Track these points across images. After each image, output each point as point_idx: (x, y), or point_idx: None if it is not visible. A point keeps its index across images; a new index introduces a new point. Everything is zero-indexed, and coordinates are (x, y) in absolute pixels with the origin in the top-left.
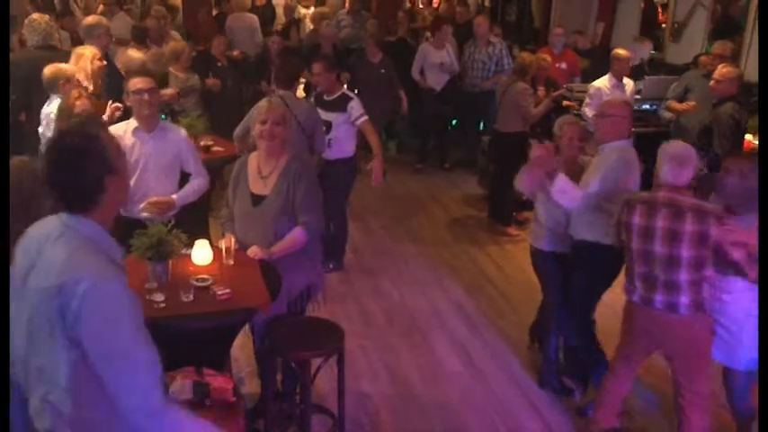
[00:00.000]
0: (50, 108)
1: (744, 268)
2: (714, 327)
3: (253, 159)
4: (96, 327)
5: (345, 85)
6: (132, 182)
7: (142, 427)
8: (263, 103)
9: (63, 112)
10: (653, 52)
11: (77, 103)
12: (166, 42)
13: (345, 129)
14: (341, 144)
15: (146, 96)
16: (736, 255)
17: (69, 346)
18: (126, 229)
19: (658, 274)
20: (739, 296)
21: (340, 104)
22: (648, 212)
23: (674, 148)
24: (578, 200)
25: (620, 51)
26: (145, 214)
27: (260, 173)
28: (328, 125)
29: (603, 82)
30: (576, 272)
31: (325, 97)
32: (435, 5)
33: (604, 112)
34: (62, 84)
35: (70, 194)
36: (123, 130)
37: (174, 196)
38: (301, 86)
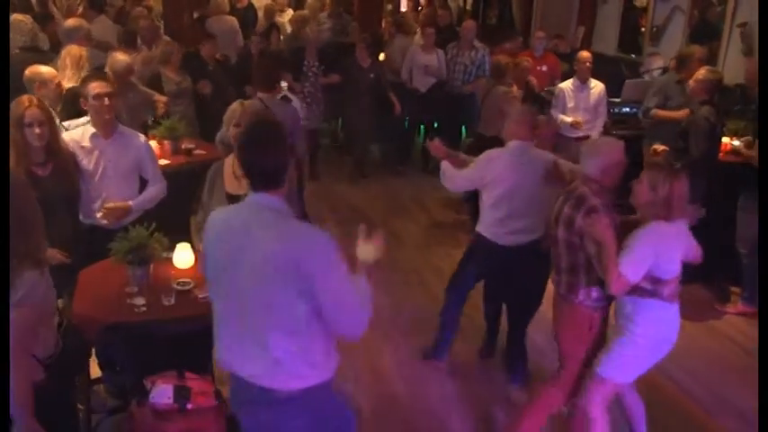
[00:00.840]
0: None
1: (596, 266)
2: (593, 318)
3: (228, 161)
4: (326, 271)
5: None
6: (91, 189)
7: (355, 336)
8: (235, 105)
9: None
10: (633, 56)
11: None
12: (156, 44)
13: None
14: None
15: (106, 101)
16: (590, 249)
17: (299, 293)
18: (87, 237)
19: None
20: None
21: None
22: (563, 201)
23: (589, 141)
24: (451, 179)
25: (583, 54)
26: (103, 221)
27: (235, 173)
28: None
29: (568, 84)
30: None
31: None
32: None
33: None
34: (37, 86)
35: (267, 175)
36: (80, 136)
37: (131, 202)
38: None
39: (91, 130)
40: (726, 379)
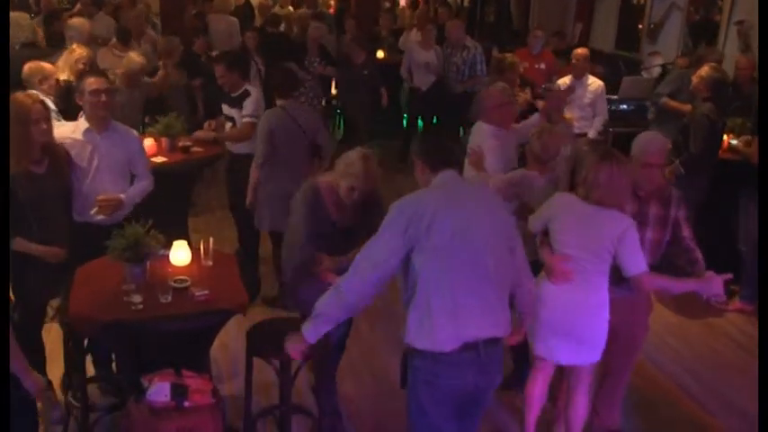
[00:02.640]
0: None
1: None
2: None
3: (327, 190)
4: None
5: (334, 82)
6: (86, 185)
7: None
8: (357, 163)
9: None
10: (630, 53)
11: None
12: (144, 39)
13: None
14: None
15: (103, 98)
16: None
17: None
18: (82, 234)
19: None
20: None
21: (240, 101)
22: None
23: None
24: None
25: (578, 50)
26: (98, 216)
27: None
28: (232, 120)
29: (564, 80)
30: None
31: (231, 94)
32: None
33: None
34: (38, 81)
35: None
36: (72, 131)
37: (123, 195)
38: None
39: (84, 124)
40: (725, 377)
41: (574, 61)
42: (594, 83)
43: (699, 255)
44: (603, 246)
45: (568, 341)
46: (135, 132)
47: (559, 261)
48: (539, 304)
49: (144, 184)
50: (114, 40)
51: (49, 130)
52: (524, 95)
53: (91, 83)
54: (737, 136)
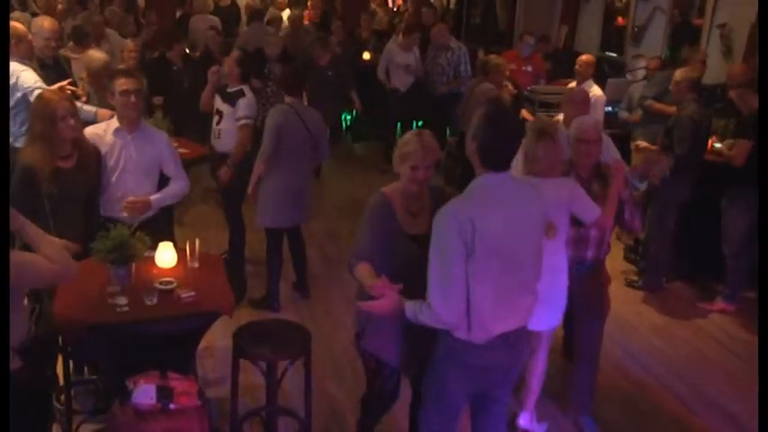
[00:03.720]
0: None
1: None
2: None
3: (395, 199)
4: None
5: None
6: (111, 182)
7: None
8: (412, 139)
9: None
10: (614, 55)
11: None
12: (103, 42)
13: (232, 123)
14: (229, 137)
15: (132, 98)
16: None
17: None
18: (106, 228)
19: None
20: None
21: (234, 98)
22: None
23: None
24: None
25: (581, 57)
26: (124, 214)
27: (409, 210)
28: (220, 115)
29: (571, 85)
30: None
31: (227, 88)
32: (393, 8)
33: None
34: (14, 43)
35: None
36: (104, 130)
37: (152, 197)
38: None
39: (115, 124)
40: (708, 376)
41: (577, 67)
42: (594, 92)
43: (637, 223)
44: (561, 210)
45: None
46: (165, 134)
47: None
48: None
49: (178, 187)
50: (71, 42)
51: (78, 125)
52: (509, 89)
53: (121, 83)
54: (721, 138)
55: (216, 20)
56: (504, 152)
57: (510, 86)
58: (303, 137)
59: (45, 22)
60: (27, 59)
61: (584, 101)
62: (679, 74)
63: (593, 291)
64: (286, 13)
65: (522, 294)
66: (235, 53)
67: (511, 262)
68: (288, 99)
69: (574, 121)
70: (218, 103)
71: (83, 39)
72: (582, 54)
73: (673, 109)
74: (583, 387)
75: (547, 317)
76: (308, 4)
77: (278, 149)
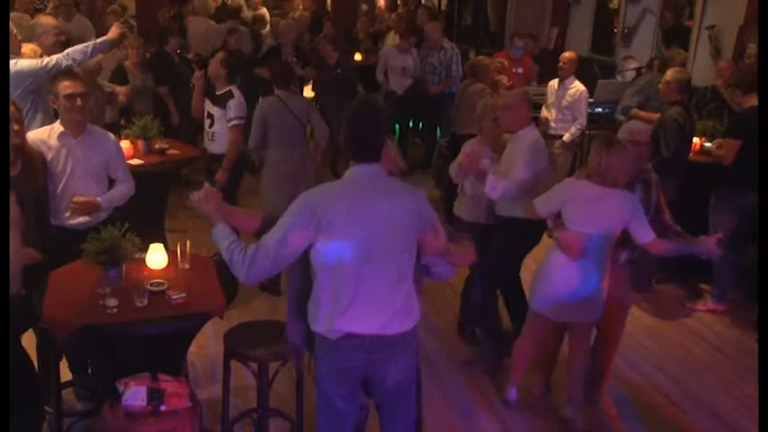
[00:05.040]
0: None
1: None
2: None
3: None
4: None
5: (311, 84)
6: (59, 189)
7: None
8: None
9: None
10: (605, 57)
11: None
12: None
13: (224, 125)
14: (222, 139)
15: (78, 102)
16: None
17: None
18: (57, 239)
19: None
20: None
21: (223, 100)
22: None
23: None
24: (507, 190)
25: (564, 54)
26: (73, 220)
27: None
28: (212, 118)
29: (554, 81)
30: (493, 243)
31: (216, 91)
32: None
33: (505, 105)
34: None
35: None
36: (47, 135)
37: (100, 198)
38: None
39: (59, 128)
40: (697, 376)
41: (561, 64)
42: (575, 87)
43: (679, 228)
44: (613, 223)
45: (575, 303)
46: (112, 136)
47: (576, 239)
48: (550, 271)
49: (124, 188)
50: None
51: (22, 131)
52: (503, 83)
53: (65, 86)
54: (709, 138)
55: (213, 23)
56: (371, 144)
57: (504, 79)
58: (291, 124)
59: (48, 20)
60: (14, 54)
61: (521, 103)
62: (670, 74)
63: (622, 288)
64: (262, 12)
65: (377, 293)
66: (219, 54)
67: (364, 255)
68: (277, 91)
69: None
70: (209, 107)
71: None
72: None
73: (656, 115)
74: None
75: (589, 312)
76: (293, 4)
77: (265, 138)
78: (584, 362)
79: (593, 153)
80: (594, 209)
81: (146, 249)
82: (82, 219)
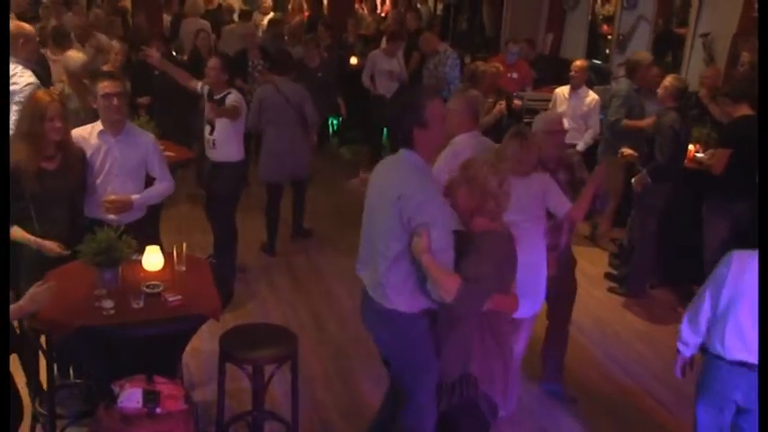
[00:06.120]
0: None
1: None
2: None
3: None
4: (424, 217)
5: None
6: (99, 185)
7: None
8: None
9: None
10: (599, 63)
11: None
12: (90, 43)
13: (227, 129)
14: (224, 146)
15: (115, 101)
16: None
17: (401, 233)
18: (91, 230)
19: None
20: None
21: (223, 103)
22: None
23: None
24: None
25: (576, 62)
26: (110, 216)
27: None
28: (212, 124)
29: (563, 89)
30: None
31: (213, 95)
32: (381, 13)
33: (451, 107)
34: (22, 42)
35: (398, 135)
36: (88, 133)
37: (134, 196)
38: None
39: (99, 126)
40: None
41: (572, 73)
42: (590, 96)
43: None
44: (536, 205)
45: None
46: (150, 135)
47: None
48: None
49: (162, 187)
50: (50, 42)
51: (65, 128)
52: (500, 107)
53: (103, 86)
54: (705, 147)
55: (206, 24)
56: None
57: (502, 105)
58: (283, 107)
59: (77, 55)
60: (30, 61)
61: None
62: (669, 80)
63: (566, 274)
64: (268, 17)
65: (366, 260)
66: (216, 60)
67: (367, 226)
68: (275, 78)
69: (540, 116)
70: (209, 112)
71: (62, 40)
72: (569, 60)
73: (646, 122)
74: (556, 360)
75: (529, 305)
76: (290, 8)
77: (260, 120)
78: (520, 353)
79: (501, 144)
80: (515, 197)
81: (142, 251)
82: (115, 216)
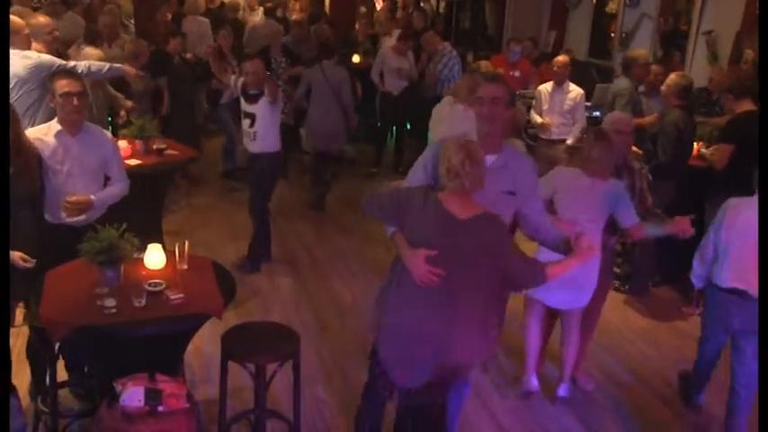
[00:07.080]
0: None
1: None
2: None
3: None
4: None
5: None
6: (57, 186)
7: None
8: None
9: None
10: (600, 61)
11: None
12: (116, 43)
13: (267, 119)
14: (264, 138)
15: (75, 101)
16: None
17: None
18: (52, 235)
19: None
20: None
21: (257, 97)
22: None
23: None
24: None
25: (558, 58)
26: (68, 219)
27: None
28: (252, 117)
29: (546, 86)
30: None
31: (249, 91)
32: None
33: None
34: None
35: None
36: (44, 133)
37: (93, 196)
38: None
39: (56, 126)
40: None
41: (555, 68)
42: (574, 90)
43: (659, 212)
44: (601, 208)
45: (569, 289)
46: (109, 134)
47: (568, 225)
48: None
49: (118, 187)
50: (81, 40)
51: (16, 131)
52: None
53: (63, 85)
54: (708, 143)
55: (206, 21)
56: None
57: None
58: (324, 88)
59: (41, 19)
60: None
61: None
62: (672, 79)
63: (605, 270)
64: (258, 14)
65: None
66: (258, 63)
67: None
68: (324, 61)
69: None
70: (246, 107)
71: (96, 39)
72: (572, 58)
73: (649, 120)
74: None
75: (581, 297)
76: (289, 5)
77: (305, 97)
78: (578, 345)
79: (584, 145)
80: (585, 197)
81: (144, 249)
82: (77, 217)
